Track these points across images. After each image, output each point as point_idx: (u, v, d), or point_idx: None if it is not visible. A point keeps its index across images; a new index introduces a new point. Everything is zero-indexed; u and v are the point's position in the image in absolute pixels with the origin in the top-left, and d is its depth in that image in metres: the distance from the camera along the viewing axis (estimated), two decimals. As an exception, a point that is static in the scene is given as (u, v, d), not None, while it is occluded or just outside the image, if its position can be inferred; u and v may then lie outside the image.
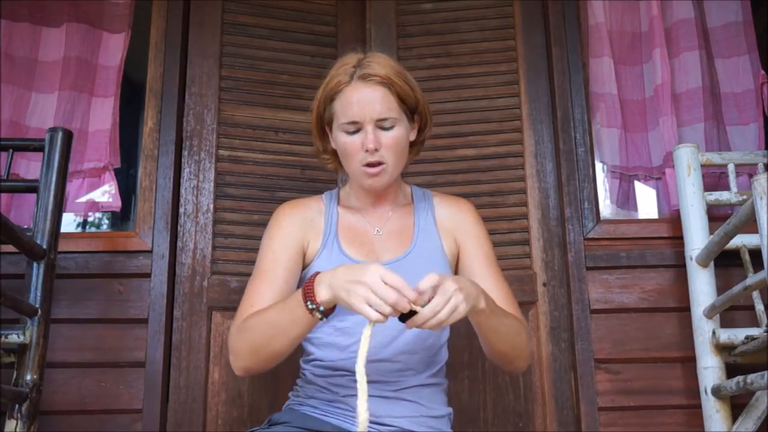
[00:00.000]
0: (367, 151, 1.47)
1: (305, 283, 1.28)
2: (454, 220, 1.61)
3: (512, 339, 1.45)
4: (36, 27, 2.30)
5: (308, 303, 1.26)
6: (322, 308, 1.26)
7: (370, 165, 1.48)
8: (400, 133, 1.50)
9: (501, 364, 1.53)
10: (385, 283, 1.18)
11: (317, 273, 1.29)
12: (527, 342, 1.50)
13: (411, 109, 1.54)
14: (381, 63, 1.50)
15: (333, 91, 1.51)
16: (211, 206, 2.18)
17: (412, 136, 1.57)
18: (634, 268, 2.12)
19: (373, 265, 1.21)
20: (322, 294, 1.25)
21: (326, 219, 1.58)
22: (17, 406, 1.61)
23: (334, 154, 1.60)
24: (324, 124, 1.57)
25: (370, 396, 1.40)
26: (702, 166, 2.05)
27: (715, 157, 2.08)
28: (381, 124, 1.48)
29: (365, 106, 1.46)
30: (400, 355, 1.46)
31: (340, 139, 1.51)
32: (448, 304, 1.21)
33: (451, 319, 1.22)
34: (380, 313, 1.18)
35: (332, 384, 1.47)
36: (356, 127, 1.48)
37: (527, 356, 1.52)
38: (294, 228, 1.55)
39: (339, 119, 1.50)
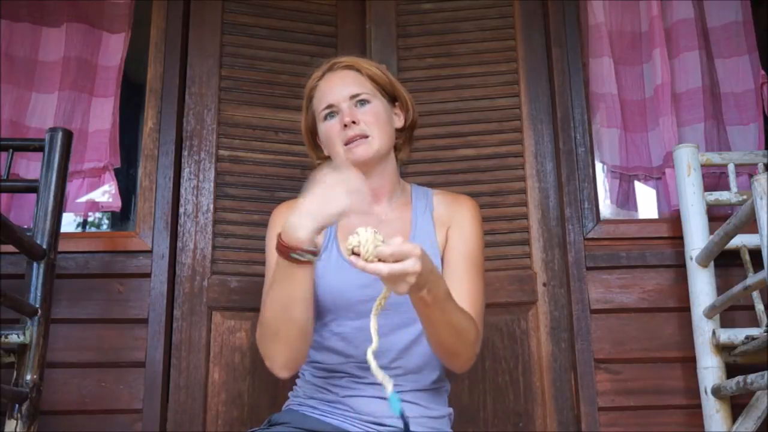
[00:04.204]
0: (345, 126, 1.49)
1: (278, 245, 1.26)
2: (449, 214, 1.58)
3: (450, 337, 1.35)
4: (36, 27, 2.31)
5: (294, 255, 1.24)
6: (308, 247, 1.24)
7: (350, 141, 1.50)
8: (377, 107, 1.54)
9: (441, 358, 1.44)
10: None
11: (280, 234, 1.27)
12: (471, 346, 1.40)
13: (386, 91, 1.58)
14: (350, 56, 1.59)
15: (310, 90, 1.59)
16: (211, 206, 2.18)
17: (399, 123, 1.60)
18: (634, 268, 2.12)
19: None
20: (301, 234, 1.23)
21: (325, 220, 1.58)
22: (17, 406, 1.61)
23: (328, 160, 1.60)
24: (313, 132, 1.62)
25: (369, 397, 1.41)
26: (702, 166, 2.05)
27: (715, 157, 2.08)
28: (356, 101, 1.52)
29: (337, 89, 1.53)
30: (401, 359, 1.46)
31: (322, 129, 1.55)
32: (395, 269, 1.13)
33: (387, 278, 1.15)
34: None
35: (332, 384, 1.46)
36: (333, 110, 1.53)
37: (468, 359, 1.42)
38: None
39: (318, 111, 1.56)
